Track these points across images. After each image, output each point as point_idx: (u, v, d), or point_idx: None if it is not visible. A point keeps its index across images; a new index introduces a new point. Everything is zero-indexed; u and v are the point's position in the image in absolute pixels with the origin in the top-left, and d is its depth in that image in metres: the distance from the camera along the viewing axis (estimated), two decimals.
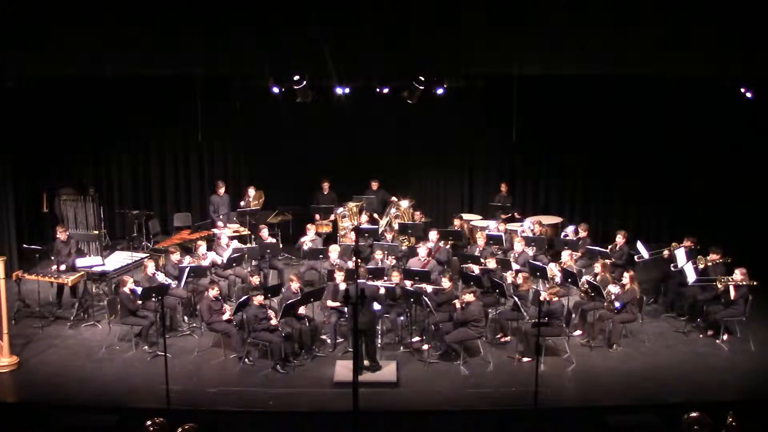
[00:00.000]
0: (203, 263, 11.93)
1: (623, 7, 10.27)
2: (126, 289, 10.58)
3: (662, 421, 8.02)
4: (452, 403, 9.31)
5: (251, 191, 14.74)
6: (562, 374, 10.04)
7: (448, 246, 12.85)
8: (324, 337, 10.87)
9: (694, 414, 6.28)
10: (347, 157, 15.45)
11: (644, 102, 14.51)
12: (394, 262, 12.22)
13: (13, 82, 12.23)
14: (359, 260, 10.63)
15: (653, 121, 14.92)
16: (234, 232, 13.99)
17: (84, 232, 13.93)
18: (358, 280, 10.09)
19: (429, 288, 10.77)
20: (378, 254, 11.97)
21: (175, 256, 11.80)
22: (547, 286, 11.20)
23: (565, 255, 11.81)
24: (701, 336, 11.16)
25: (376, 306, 10.33)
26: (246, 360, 10.18)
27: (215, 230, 13.68)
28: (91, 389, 9.51)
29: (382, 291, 10.66)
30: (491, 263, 11.61)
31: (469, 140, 15.89)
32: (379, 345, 10.47)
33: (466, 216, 14.89)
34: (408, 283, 11.02)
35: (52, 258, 11.97)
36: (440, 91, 13.24)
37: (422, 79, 12.41)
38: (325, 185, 15.11)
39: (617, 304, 10.68)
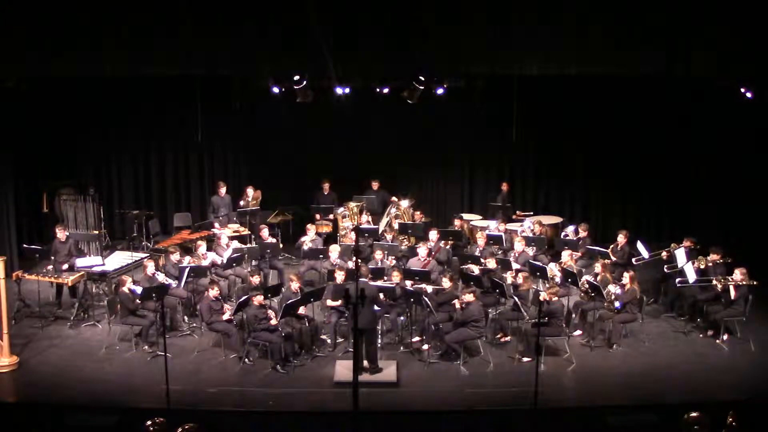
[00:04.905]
0: (203, 263, 11.93)
1: (623, 7, 10.28)
2: (125, 289, 10.58)
3: (662, 421, 8.03)
4: (452, 403, 9.31)
5: (250, 191, 14.73)
6: (562, 374, 10.04)
7: (448, 246, 12.85)
8: (324, 337, 10.87)
9: (694, 414, 6.28)
10: (347, 157, 15.44)
11: (644, 102, 14.51)
12: (394, 262, 12.22)
13: (13, 82, 12.24)
14: (359, 260, 10.64)
15: (653, 121, 14.92)
16: (234, 232, 13.99)
17: (84, 232, 13.92)
18: (362, 279, 10.16)
19: (429, 288, 10.77)
20: (378, 254, 11.96)
21: (175, 256, 11.80)
22: (547, 286, 11.20)
23: (565, 255, 11.81)
24: (701, 336, 11.15)
25: (376, 307, 10.32)
26: (246, 360, 10.18)
27: (215, 230, 13.68)
28: (91, 389, 9.51)
29: (381, 296, 10.65)
30: (491, 263, 11.61)
31: (469, 140, 15.89)
32: (379, 345, 10.45)
33: (466, 216, 14.89)
34: (408, 283, 11.02)
35: (52, 258, 11.97)
36: (440, 91, 13.24)
37: (422, 79, 12.42)
38: (325, 185, 15.11)
39: (617, 304, 10.68)
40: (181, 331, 11.28)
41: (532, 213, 15.13)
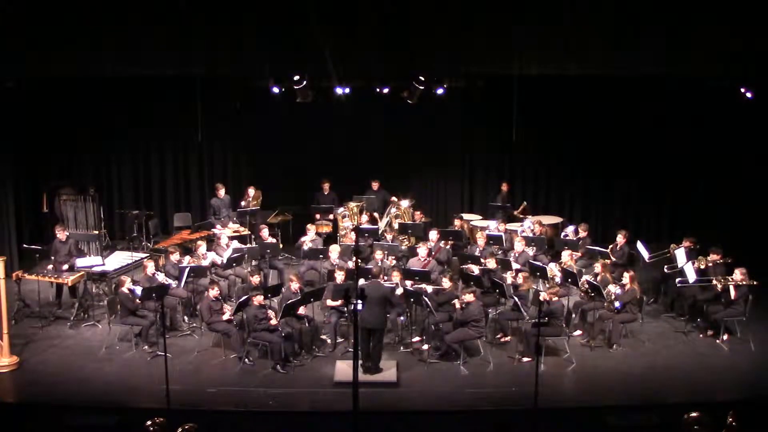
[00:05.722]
0: (203, 263, 11.93)
1: (623, 7, 10.28)
2: (124, 289, 10.58)
3: (662, 421, 8.03)
4: (452, 403, 9.31)
5: (251, 191, 14.74)
6: (562, 374, 10.04)
7: (448, 246, 12.84)
8: (324, 337, 10.87)
9: (694, 414, 6.28)
10: (347, 157, 15.45)
11: (644, 102, 14.52)
12: (394, 262, 12.22)
13: (13, 82, 12.23)
14: (359, 260, 10.63)
15: (653, 121, 14.93)
16: (234, 232, 13.99)
17: (84, 232, 13.92)
18: (375, 280, 10.14)
19: (429, 288, 10.77)
20: (378, 254, 11.96)
21: (175, 256, 11.80)
22: (547, 286, 11.20)
23: (565, 255, 11.80)
24: (701, 336, 11.16)
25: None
26: (246, 360, 10.18)
27: (215, 230, 13.69)
28: (91, 389, 9.51)
29: (399, 291, 10.64)
30: (491, 263, 11.60)
31: (469, 140, 15.89)
32: None
33: (466, 216, 14.89)
34: (408, 283, 11.02)
35: (52, 258, 11.97)
36: (440, 91, 13.24)
37: (422, 79, 12.41)
38: (325, 185, 15.11)
39: (617, 304, 10.67)
40: (181, 331, 11.28)
41: (525, 203, 15.11)
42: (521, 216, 14.72)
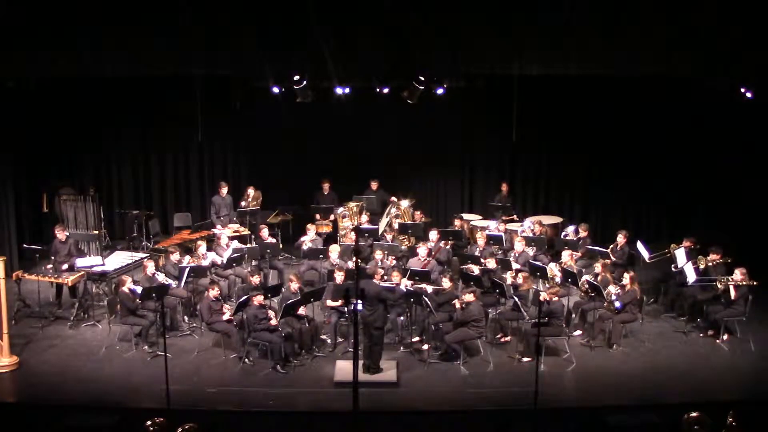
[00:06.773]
0: (203, 263, 11.93)
1: (623, 7, 10.28)
2: (125, 289, 10.58)
3: (662, 421, 8.03)
4: (452, 403, 9.32)
5: (251, 191, 14.74)
6: (562, 374, 10.04)
7: (448, 246, 12.84)
8: (324, 337, 10.87)
9: (694, 414, 6.29)
10: (347, 157, 15.44)
11: (644, 102, 14.51)
12: (394, 262, 12.22)
13: (13, 82, 12.23)
14: (359, 260, 10.64)
15: (653, 121, 14.92)
16: (234, 232, 13.99)
17: (84, 232, 13.92)
18: (373, 280, 10.14)
19: (429, 288, 10.77)
20: (378, 254, 11.96)
21: (175, 256, 11.80)
22: (547, 286, 11.20)
23: (565, 255, 11.81)
24: (701, 336, 11.16)
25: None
26: (246, 360, 10.18)
27: (215, 230, 13.69)
28: (91, 389, 9.51)
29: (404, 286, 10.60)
30: (491, 263, 11.61)
31: (469, 140, 15.89)
32: None
33: (466, 216, 14.88)
34: (408, 283, 11.01)
35: (52, 258, 11.96)
36: (440, 91, 13.24)
37: (422, 79, 12.41)
38: (325, 185, 15.11)
39: (617, 304, 10.68)
40: (181, 331, 11.28)
41: (514, 215, 15.01)
42: (509, 220, 14.50)
